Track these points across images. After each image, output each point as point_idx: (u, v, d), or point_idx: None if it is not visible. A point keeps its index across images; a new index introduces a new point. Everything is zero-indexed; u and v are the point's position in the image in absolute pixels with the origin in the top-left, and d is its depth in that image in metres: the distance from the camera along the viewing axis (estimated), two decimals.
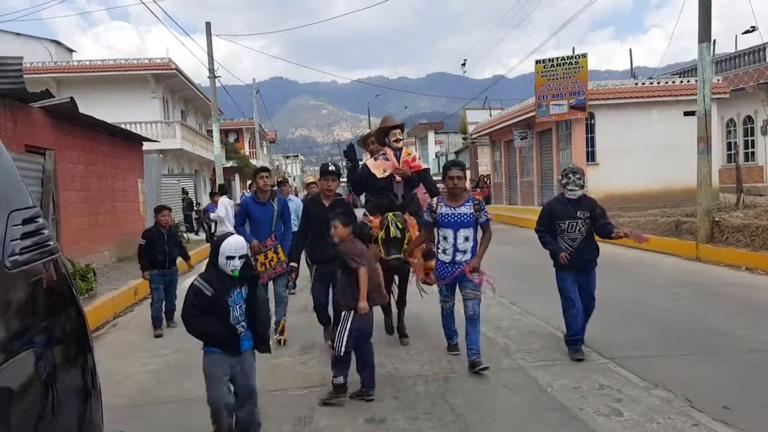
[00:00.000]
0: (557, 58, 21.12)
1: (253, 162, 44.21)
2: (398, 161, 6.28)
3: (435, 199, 5.51)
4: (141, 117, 25.11)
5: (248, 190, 18.01)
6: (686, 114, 19.25)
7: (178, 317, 7.32)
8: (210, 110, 26.96)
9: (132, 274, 10.81)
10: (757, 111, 24.30)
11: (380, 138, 6.59)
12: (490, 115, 34.59)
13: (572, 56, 21.25)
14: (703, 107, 11.76)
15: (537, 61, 21.37)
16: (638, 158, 20.28)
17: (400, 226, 5.70)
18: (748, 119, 25.42)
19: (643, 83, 21.99)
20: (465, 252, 5.27)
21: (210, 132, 30.42)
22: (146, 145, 17.34)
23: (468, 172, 27.15)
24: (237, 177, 41.19)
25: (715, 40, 12.07)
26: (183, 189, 23.84)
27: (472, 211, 5.25)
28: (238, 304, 3.68)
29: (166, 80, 27.74)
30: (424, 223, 5.59)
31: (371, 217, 6.20)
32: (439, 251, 5.41)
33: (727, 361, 5.18)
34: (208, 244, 12.53)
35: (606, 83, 22.27)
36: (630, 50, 33.99)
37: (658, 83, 21.86)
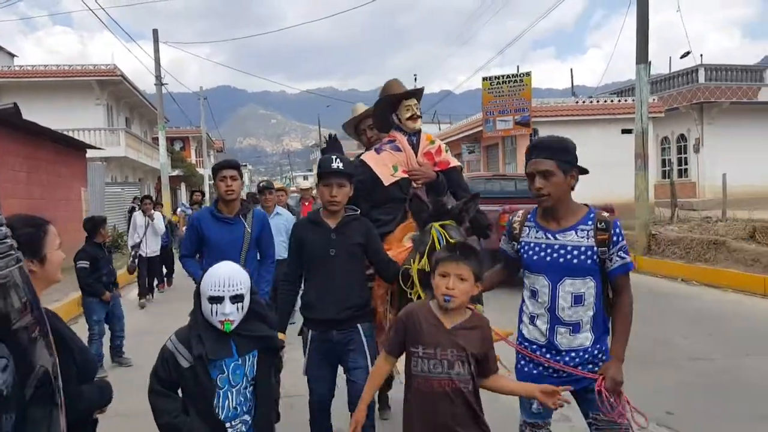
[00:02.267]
0: (503, 76, 21.76)
1: (200, 171, 43.49)
2: (416, 152, 3.77)
3: (520, 213, 2.74)
4: (85, 124, 24.42)
5: (185, 205, 14.33)
6: (624, 132, 20.11)
7: (133, 350, 6.20)
8: (156, 118, 26.46)
9: (75, 286, 10.49)
10: (690, 130, 25.65)
11: (383, 117, 3.92)
12: (439, 129, 35.20)
13: (517, 74, 21.93)
14: (641, 126, 12.36)
15: (484, 78, 21.96)
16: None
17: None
18: (682, 137, 26.74)
19: (583, 102, 22.90)
20: (577, 329, 2.54)
21: (155, 140, 29.81)
22: (90, 153, 16.91)
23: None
24: (183, 186, 40.39)
25: (650, 62, 12.70)
26: (136, 197, 23.06)
27: (594, 243, 2.50)
28: (237, 387, 2.33)
29: (111, 87, 27.07)
30: (500, 255, 2.86)
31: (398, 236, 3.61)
32: (523, 318, 2.69)
33: (667, 368, 5.39)
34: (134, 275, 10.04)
35: (548, 101, 23.09)
36: (571, 69, 35.22)
37: (597, 102, 22.81)
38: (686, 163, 26.40)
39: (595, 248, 2.49)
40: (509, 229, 2.75)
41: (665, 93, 26.52)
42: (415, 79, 39.01)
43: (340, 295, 3.14)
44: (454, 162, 3.97)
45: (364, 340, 3.21)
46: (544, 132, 21.46)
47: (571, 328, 2.53)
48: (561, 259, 2.52)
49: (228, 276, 2.31)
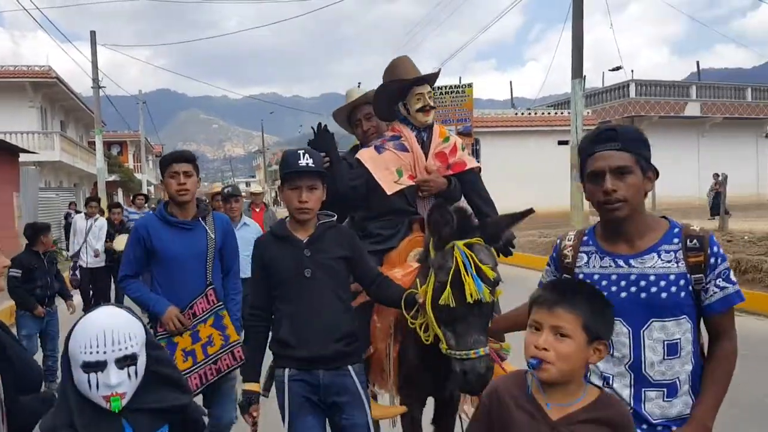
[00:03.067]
0: (445, 87, 22.11)
1: (138, 176, 42.39)
2: (426, 153, 3.12)
3: (572, 235, 2.04)
4: (17, 127, 23.42)
5: (131, 210, 11.55)
6: (560, 143, 20.93)
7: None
8: (92, 121, 25.67)
9: (3, 294, 10.11)
10: None
11: (386, 105, 3.19)
12: None
13: (459, 85, 22.34)
14: (576, 138, 12.95)
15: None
16: (519, 183, 21.71)
17: (492, 276, 2.27)
18: None
19: (522, 113, 23.71)
20: (673, 391, 1.82)
21: (92, 144, 28.88)
22: (23, 157, 16.33)
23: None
24: (120, 191, 39.25)
25: (585, 76, 13.34)
26: (72, 203, 22.27)
27: (685, 268, 1.81)
28: None
29: (46, 89, 26.12)
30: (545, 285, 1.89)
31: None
32: (592, 381, 1.83)
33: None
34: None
35: (489, 112, 23.81)
36: (510, 82, 36.34)
37: (536, 114, 23.66)
38: None
39: (688, 276, 1.78)
40: (557, 257, 2.00)
41: (599, 106, 27.69)
42: (359, 87, 39.22)
43: (323, 325, 2.41)
44: (472, 162, 3.22)
45: (359, 387, 2.47)
46: (485, 143, 22.07)
47: (665, 390, 1.80)
48: (643, 294, 1.79)
49: (110, 328, 1.53)
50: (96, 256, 8.73)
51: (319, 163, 2.52)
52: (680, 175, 24.15)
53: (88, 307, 8.26)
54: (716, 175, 20.72)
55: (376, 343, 2.77)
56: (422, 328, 2.39)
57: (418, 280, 2.47)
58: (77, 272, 8.66)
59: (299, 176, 2.45)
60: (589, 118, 22.57)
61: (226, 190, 6.23)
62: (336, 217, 2.63)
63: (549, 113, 23.97)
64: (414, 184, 3.07)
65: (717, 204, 19.40)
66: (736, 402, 4.61)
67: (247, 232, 5.60)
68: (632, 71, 28.79)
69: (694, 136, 27.48)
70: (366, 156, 3.10)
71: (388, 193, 3.01)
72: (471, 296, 2.14)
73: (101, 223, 8.96)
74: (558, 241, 2.04)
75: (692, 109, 27.60)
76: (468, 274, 2.17)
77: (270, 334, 2.57)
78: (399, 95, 3.11)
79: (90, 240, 8.71)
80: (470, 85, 22.35)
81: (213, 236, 3.28)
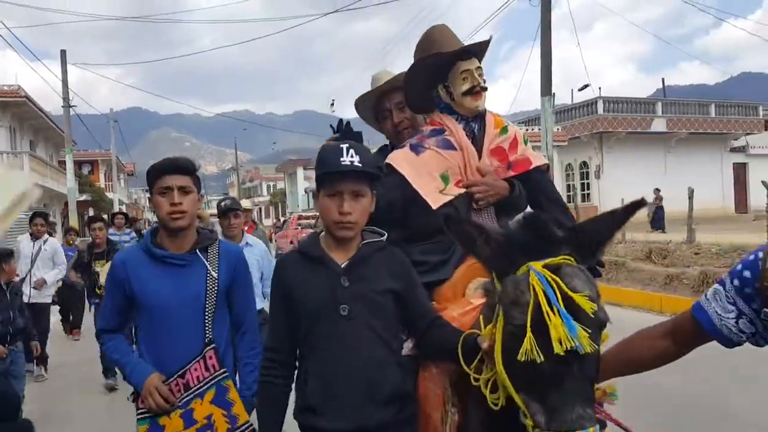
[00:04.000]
0: None
1: (110, 195, 41.85)
2: (478, 150, 2.39)
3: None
4: None
5: (116, 233, 9.02)
6: None
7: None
8: (63, 140, 25.36)
9: None
10: (591, 157, 27.55)
11: (421, 89, 2.44)
12: None
13: None
14: (546, 153, 13.22)
15: None
16: None
17: (592, 310, 1.41)
18: (584, 164, 28.59)
19: None
20: None
21: (62, 163, 28.46)
22: None
23: None
24: (91, 211, 38.66)
25: (554, 93, 13.67)
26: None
27: None
28: None
29: (15, 108, 25.75)
30: (703, 326, 1.56)
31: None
32: None
33: None
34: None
35: None
36: None
37: None
38: (588, 189, 28.18)
39: None
40: (756, 278, 1.43)
41: (568, 123, 28.29)
42: (332, 105, 39.44)
43: (365, 384, 1.79)
44: (538, 159, 2.49)
45: None
46: None
47: None
48: None
49: None
50: (38, 287, 6.86)
51: (368, 161, 1.85)
52: (647, 188, 24.71)
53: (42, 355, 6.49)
54: (657, 190, 21.78)
55: (427, 409, 1.95)
56: (488, 386, 1.61)
57: (481, 318, 1.72)
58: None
59: (341, 178, 1.80)
60: (558, 134, 23.07)
61: (223, 204, 4.83)
62: (386, 236, 1.96)
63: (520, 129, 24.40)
64: (466, 191, 2.28)
65: (659, 218, 20.26)
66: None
67: (252, 254, 4.44)
68: (600, 88, 29.46)
69: (661, 151, 28.20)
70: (400, 159, 2.32)
71: (434, 207, 2.21)
72: (560, 344, 1.35)
73: (52, 245, 7.34)
74: (759, 257, 1.42)
75: (658, 125, 28.34)
76: (554, 312, 1.38)
77: (292, 392, 1.91)
78: (438, 76, 2.34)
79: (38, 267, 7.02)
80: None
81: (215, 275, 2.36)
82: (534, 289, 1.42)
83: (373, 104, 2.67)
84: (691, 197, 13.93)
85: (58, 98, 22.79)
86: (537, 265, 1.46)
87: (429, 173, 2.30)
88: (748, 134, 30.29)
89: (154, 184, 2.36)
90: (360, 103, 2.72)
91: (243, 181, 67.67)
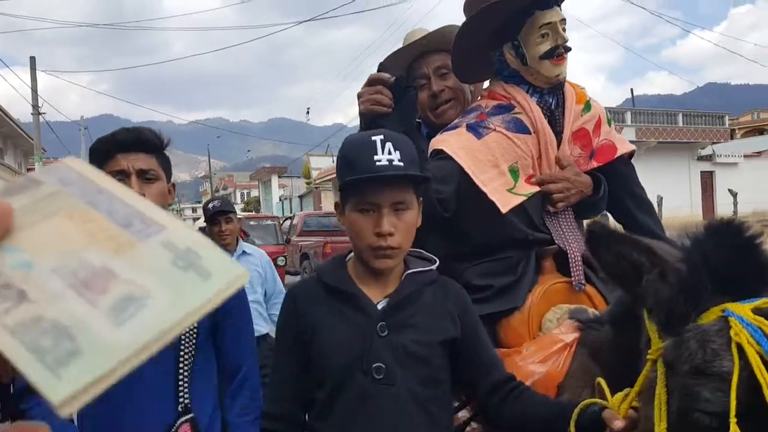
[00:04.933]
0: None
1: None
2: (560, 136, 1.77)
3: None
4: None
5: None
6: None
7: None
8: (32, 148, 24.91)
9: None
10: None
11: (477, 48, 1.77)
12: (333, 161, 35.76)
13: None
14: None
15: None
16: None
17: None
18: None
19: None
20: None
21: (31, 171, 27.93)
22: None
23: None
24: None
25: None
26: None
27: None
28: None
29: None
30: None
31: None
32: None
33: None
34: None
35: None
36: None
37: None
38: None
39: None
40: None
41: None
42: (308, 112, 39.51)
43: None
44: (623, 144, 1.93)
45: None
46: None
47: None
48: None
49: None
50: None
51: (413, 157, 1.32)
52: None
53: None
54: None
55: None
56: None
57: (578, 365, 1.34)
58: None
59: (378, 186, 1.27)
60: None
61: (211, 205, 3.87)
62: (438, 263, 1.41)
63: None
64: (540, 190, 1.71)
65: None
66: None
67: (251, 265, 3.66)
68: None
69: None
70: (454, 143, 1.68)
71: (503, 210, 1.63)
72: None
73: None
74: None
75: (627, 134, 28.78)
76: None
77: None
78: (504, 32, 1.72)
79: None
80: None
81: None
82: (742, 349, 0.83)
83: (405, 69, 2.00)
84: (660, 204, 14.22)
85: (27, 105, 22.40)
86: (742, 310, 0.87)
87: (495, 165, 1.67)
88: (714, 143, 31.04)
89: (102, 168, 1.36)
90: (390, 65, 1.98)
91: (216, 189, 67.05)
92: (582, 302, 1.64)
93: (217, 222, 3.80)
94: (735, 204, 21.52)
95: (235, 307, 1.67)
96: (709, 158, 31.33)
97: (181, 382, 1.54)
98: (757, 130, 43.37)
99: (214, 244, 0.29)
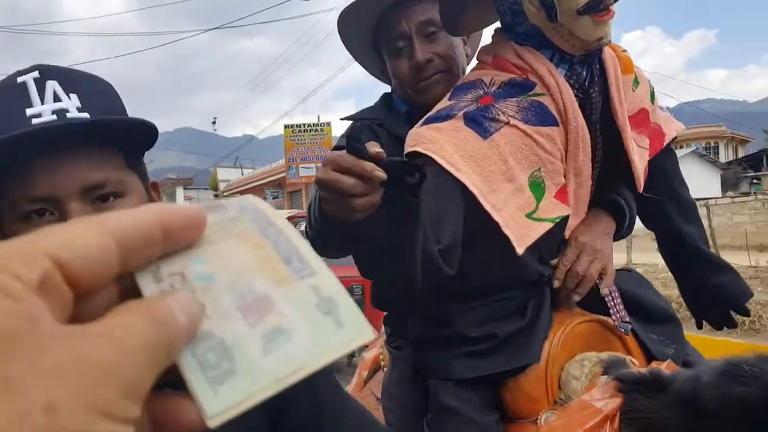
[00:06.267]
0: (304, 125, 22.63)
1: None
2: (596, 124, 1.21)
3: None
4: None
5: None
6: None
7: None
8: None
9: None
10: None
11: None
12: (242, 173, 35.04)
13: (318, 123, 22.91)
14: None
15: (286, 126, 22.59)
16: None
17: None
18: None
19: None
20: None
21: None
22: None
23: None
24: None
25: None
26: None
27: None
28: None
29: None
30: None
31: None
32: None
33: None
34: None
35: None
36: None
37: None
38: None
39: None
40: None
41: None
42: (214, 122, 38.54)
43: None
44: (671, 126, 1.41)
45: None
46: None
47: None
48: None
49: None
50: None
51: (108, 106, 0.79)
52: None
53: None
54: None
55: None
56: None
57: None
58: None
59: (47, 162, 0.72)
60: None
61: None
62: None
63: None
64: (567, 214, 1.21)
65: None
66: None
67: None
68: None
69: None
70: (450, 147, 1.14)
71: (519, 251, 1.11)
72: None
73: None
74: None
75: None
76: None
77: None
78: None
79: None
80: (329, 124, 22.95)
81: None
82: None
83: (371, 32, 1.42)
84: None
85: None
86: None
87: (510, 178, 1.12)
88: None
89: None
90: (348, 26, 1.43)
91: None
92: (614, 347, 1.21)
93: None
94: None
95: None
96: None
97: None
98: None
99: (350, 296, 0.31)
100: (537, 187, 1.15)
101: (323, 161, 0.88)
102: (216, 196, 40.37)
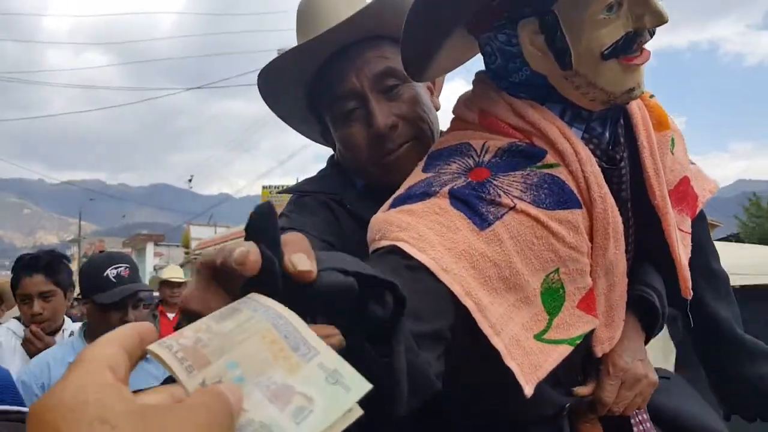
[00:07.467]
0: (282, 186, 22.67)
1: None
2: (625, 200, 0.92)
3: None
4: None
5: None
6: None
7: None
8: None
9: None
10: None
11: (456, 20, 0.89)
12: (215, 231, 34.72)
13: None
14: None
15: (264, 187, 22.61)
16: None
17: None
18: None
19: None
20: None
21: None
22: None
23: None
24: None
25: None
26: None
27: None
28: None
29: None
30: None
31: None
32: None
33: None
34: None
35: None
36: None
37: None
38: None
39: None
40: None
41: None
42: (191, 180, 38.51)
43: None
44: (704, 184, 1.08)
45: None
46: None
47: None
48: None
49: None
50: None
51: None
52: None
53: None
54: None
55: None
56: None
57: None
58: None
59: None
60: None
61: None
62: None
63: None
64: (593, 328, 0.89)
65: None
66: None
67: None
68: None
69: None
70: (436, 240, 0.76)
71: (528, 392, 0.75)
72: None
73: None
74: None
75: None
76: None
77: None
78: None
79: None
80: None
81: None
82: None
83: (307, 84, 1.10)
84: None
85: None
86: None
87: (514, 286, 0.80)
88: None
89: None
90: (275, 79, 1.10)
91: (85, 254, 62.54)
92: None
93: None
94: None
95: None
96: None
97: None
98: None
99: (347, 363, 0.39)
100: (553, 296, 0.82)
101: (200, 261, 0.48)
102: (187, 253, 39.85)
